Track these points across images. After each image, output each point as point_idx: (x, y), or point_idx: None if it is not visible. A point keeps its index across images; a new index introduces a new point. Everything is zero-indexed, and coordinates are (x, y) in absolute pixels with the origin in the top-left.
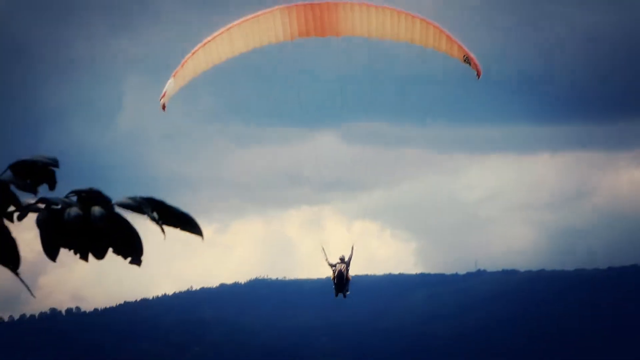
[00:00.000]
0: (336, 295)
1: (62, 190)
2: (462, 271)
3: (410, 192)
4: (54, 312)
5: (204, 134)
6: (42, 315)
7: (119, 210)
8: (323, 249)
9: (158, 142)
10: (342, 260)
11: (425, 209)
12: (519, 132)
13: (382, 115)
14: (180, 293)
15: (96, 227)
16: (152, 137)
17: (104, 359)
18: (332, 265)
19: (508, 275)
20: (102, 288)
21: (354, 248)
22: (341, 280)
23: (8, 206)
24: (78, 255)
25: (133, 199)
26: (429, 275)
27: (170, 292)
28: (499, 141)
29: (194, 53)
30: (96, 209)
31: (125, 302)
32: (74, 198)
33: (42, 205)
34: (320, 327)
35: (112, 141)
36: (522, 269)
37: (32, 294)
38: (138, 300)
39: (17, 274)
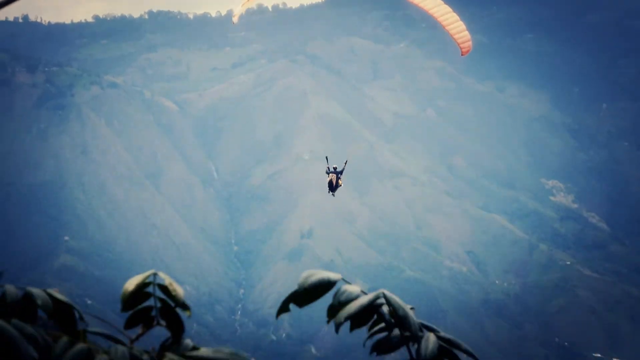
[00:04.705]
0: (329, 192)
1: None
2: None
3: None
4: None
5: None
6: None
7: None
8: (327, 158)
9: None
10: (334, 170)
11: None
12: None
13: None
14: None
15: None
16: None
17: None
18: (329, 173)
19: None
20: None
21: (346, 163)
22: (331, 185)
23: None
24: None
25: None
26: None
27: None
28: None
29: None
30: None
31: None
32: None
33: None
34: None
35: None
36: None
37: None
38: None
39: None
